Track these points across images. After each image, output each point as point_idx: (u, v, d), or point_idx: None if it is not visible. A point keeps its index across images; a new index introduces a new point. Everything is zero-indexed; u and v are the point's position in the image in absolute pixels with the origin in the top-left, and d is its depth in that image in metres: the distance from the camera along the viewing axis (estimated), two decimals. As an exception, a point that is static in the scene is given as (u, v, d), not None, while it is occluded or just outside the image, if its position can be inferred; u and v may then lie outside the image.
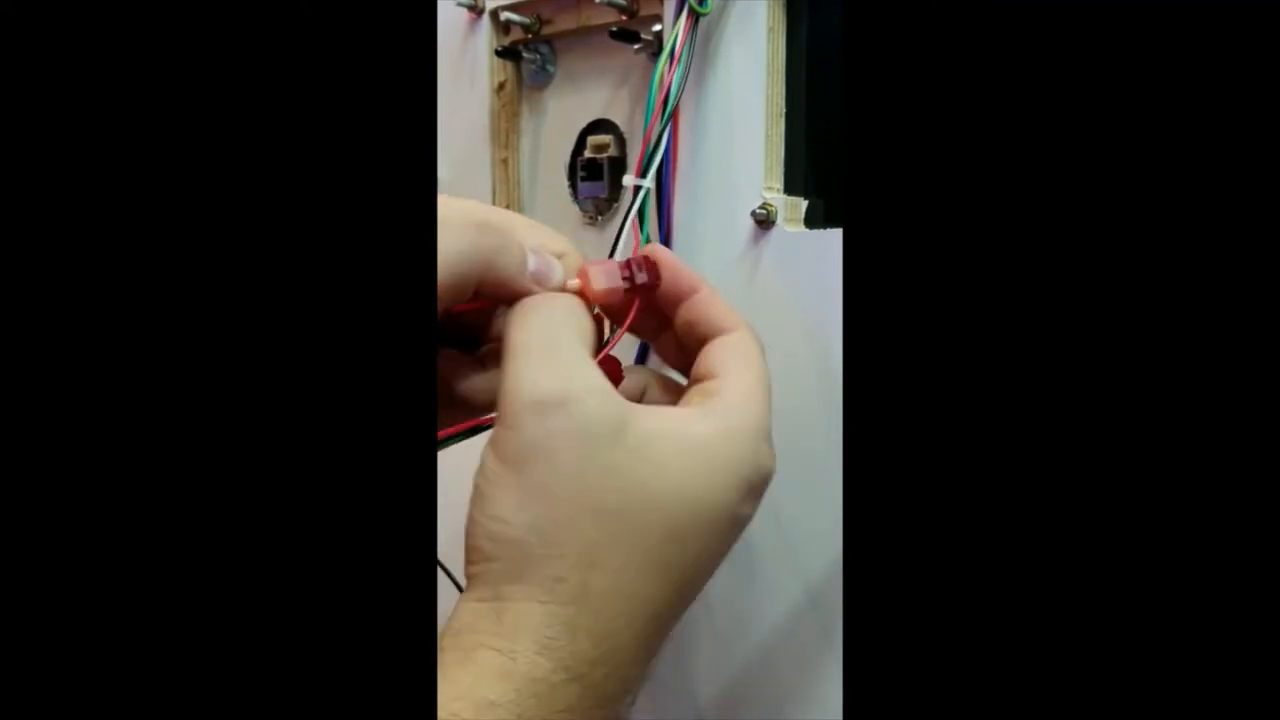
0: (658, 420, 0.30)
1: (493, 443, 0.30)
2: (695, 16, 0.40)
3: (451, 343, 0.36)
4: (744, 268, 0.41)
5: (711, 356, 0.33)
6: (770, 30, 0.40)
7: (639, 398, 0.35)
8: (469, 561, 0.30)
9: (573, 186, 0.49)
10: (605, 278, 0.33)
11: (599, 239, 0.48)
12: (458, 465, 0.38)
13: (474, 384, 0.34)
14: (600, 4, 0.44)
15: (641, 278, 0.33)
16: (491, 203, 0.51)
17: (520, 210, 0.51)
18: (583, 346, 0.31)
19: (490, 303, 0.34)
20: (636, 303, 0.34)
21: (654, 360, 0.39)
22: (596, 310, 0.34)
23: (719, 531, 0.31)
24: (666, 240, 0.42)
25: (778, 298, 0.40)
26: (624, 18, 0.44)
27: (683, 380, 0.36)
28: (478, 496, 0.30)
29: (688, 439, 0.30)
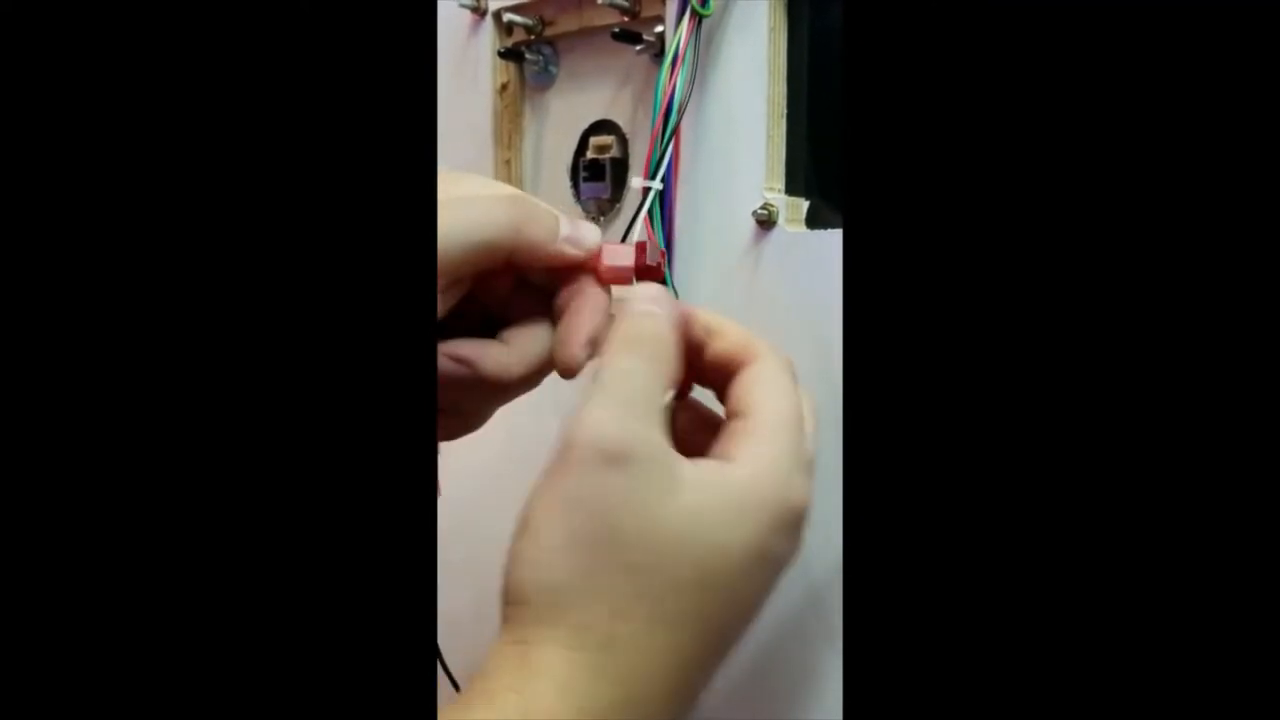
0: (700, 473, 0.31)
1: (549, 479, 0.30)
2: (698, 18, 0.40)
3: (471, 331, 0.36)
4: (745, 268, 0.41)
5: (738, 392, 0.33)
6: (771, 31, 0.40)
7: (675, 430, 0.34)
8: (507, 598, 0.30)
9: (575, 187, 0.49)
10: (616, 257, 0.35)
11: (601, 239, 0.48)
12: (458, 468, 0.38)
13: (502, 360, 0.34)
14: (602, 5, 0.44)
15: (654, 259, 0.35)
16: (494, 203, 0.51)
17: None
18: (659, 398, 0.31)
19: (507, 285, 0.35)
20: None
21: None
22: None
23: (750, 575, 0.31)
24: (668, 240, 0.42)
25: (778, 298, 0.40)
26: (626, 19, 0.44)
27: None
28: (526, 530, 0.30)
29: (720, 489, 0.30)
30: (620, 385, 0.31)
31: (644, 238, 0.39)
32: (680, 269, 0.42)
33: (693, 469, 0.31)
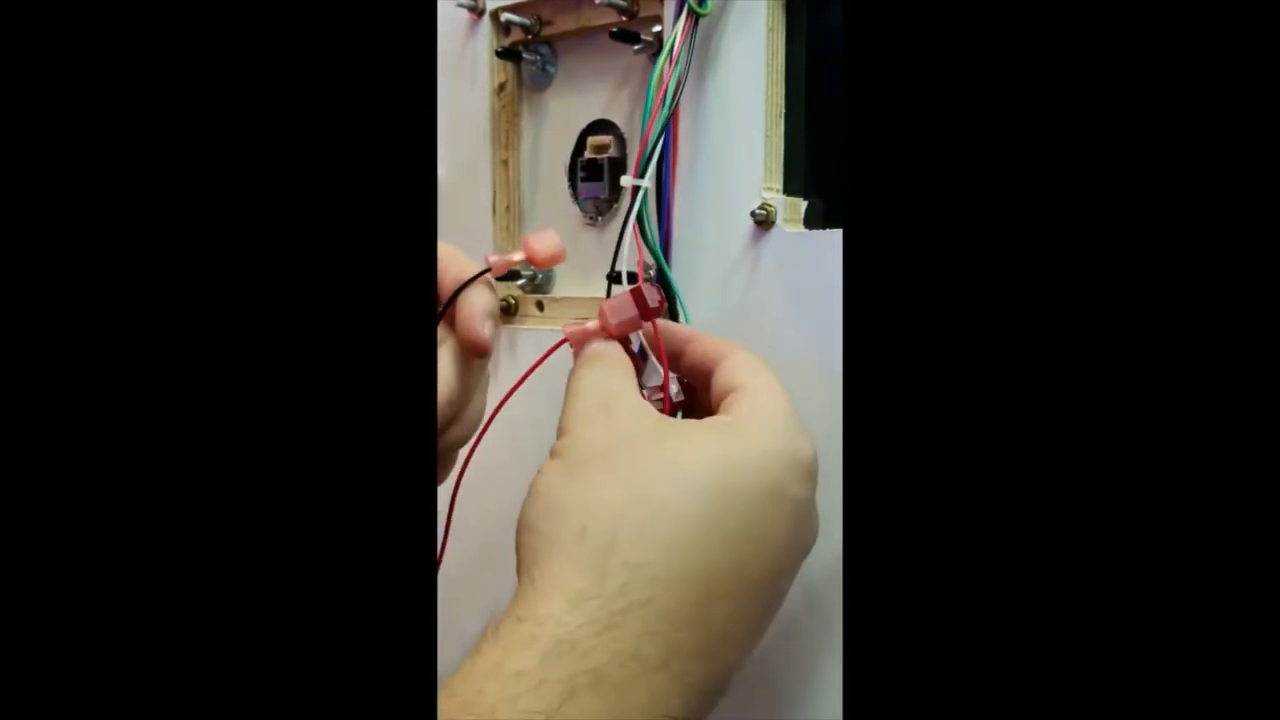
0: (697, 426, 0.33)
1: (550, 452, 0.33)
2: (695, 17, 0.40)
3: None
4: (744, 268, 0.41)
5: (724, 376, 0.35)
6: (770, 30, 0.40)
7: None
8: (518, 544, 0.31)
9: (573, 187, 0.49)
10: (620, 313, 0.37)
11: (599, 239, 0.48)
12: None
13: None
14: (600, 5, 0.44)
15: (654, 301, 0.37)
16: (492, 203, 0.51)
17: (520, 210, 0.51)
18: (625, 376, 0.35)
19: None
20: (655, 326, 0.37)
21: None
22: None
23: (769, 515, 0.31)
24: (666, 241, 0.42)
25: (777, 298, 0.40)
26: (624, 19, 0.44)
27: None
28: (529, 494, 0.32)
29: (723, 435, 0.32)
30: (577, 387, 0.35)
31: (634, 248, 0.40)
32: (679, 269, 0.42)
33: (689, 423, 0.33)
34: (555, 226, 0.50)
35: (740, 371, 0.34)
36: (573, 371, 0.36)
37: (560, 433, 0.34)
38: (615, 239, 0.48)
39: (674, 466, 0.30)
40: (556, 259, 0.38)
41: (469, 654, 0.28)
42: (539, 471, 0.33)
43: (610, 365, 0.35)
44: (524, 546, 0.31)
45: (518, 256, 0.38)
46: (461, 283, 0.36)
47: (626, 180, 0.39)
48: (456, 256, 0.37)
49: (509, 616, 0.28)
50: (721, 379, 0.35)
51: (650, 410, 0.34)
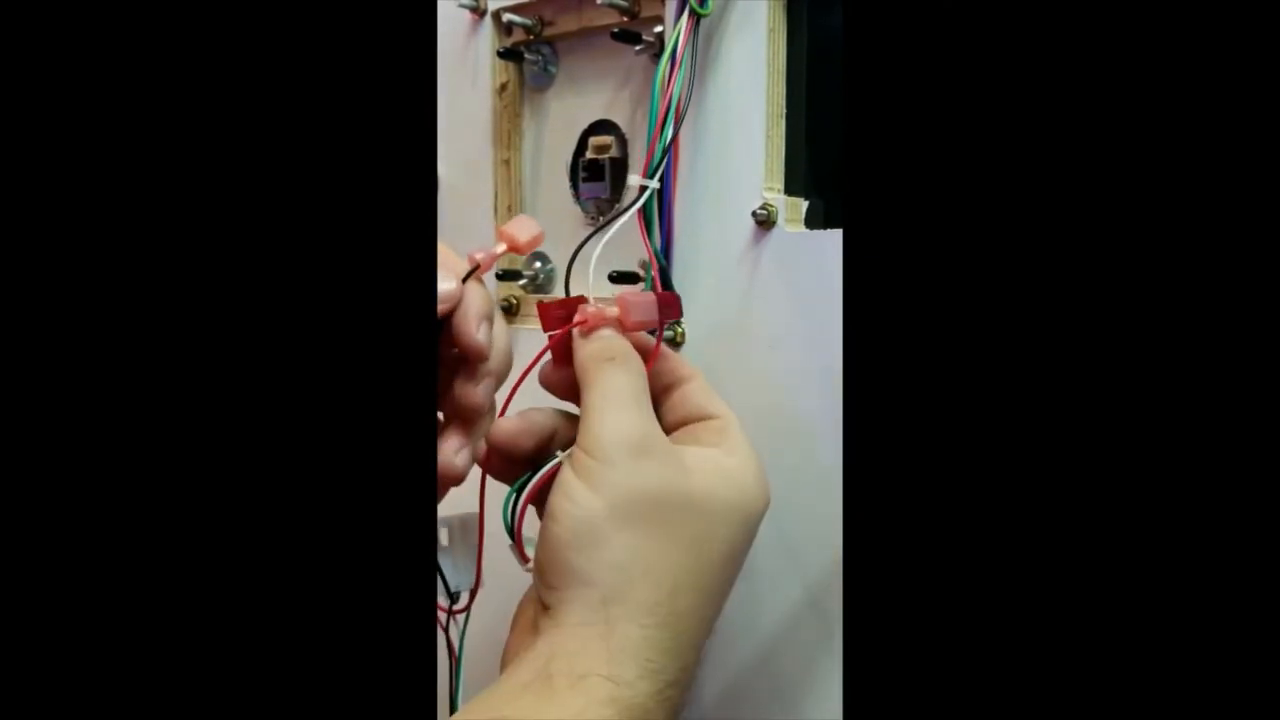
0: (705, 458, 0.35)
1: (581, 471, 0.33)
2: (696, 17, 0.40)
3: None
4: (744, 268, 0.41)
5: (697, 399, 0.37)
6: (771, 31, 0.40)
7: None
8: (558, 581, 0.32)
9: (574, 187, 0.49)
10: (642, 312, 0.37)
11: (600, 239, 0.48)
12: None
13: (467, 394, 0.36)
14: (601, 6, 0.44)
15: (667, 314, 0.37)
16: (494, 203, 0.51)
17: (522, 210, 0.52)
18: (646, 397, 0.35)
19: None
20: (660, 337, 0.38)
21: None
22: None
23: (743, 555, 0.35)
24: (667, 240, 0.42)
25: (778, 298, 0.40)
26: (625, 19, 0.45)
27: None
28: (560, 515, 0.32)
29: (729, 475, 0.34)
30: (624, 391, 0.34)
31: (640, 241, 0.40)
32: (680, 269, 0.43)
33: (692, 454, 0.34)
34: (557, 226, 0.50)
35: (714, 401, 0.37)
36: (596, 358, 0.35)
37: (594, 447, 0.33)
38: (616, 239, 0.48)
39: (714, 536, 0.33)
40: (537, 242, 0.39)
41: (542, 691, 0.30)
42: (568, 497, 0.32)
43: (638, 375, 0.35)
44: (573, 586, 0.32)
45: (500, 249, 0.38)
46: (450, 284, 0.35)
47: (635, 180, 0.39)
48: (447, 256, 0.36)
49: (591, 672, 0.30)
50: (692, 400, 0.37)
51: (673, 449, 0.34)
